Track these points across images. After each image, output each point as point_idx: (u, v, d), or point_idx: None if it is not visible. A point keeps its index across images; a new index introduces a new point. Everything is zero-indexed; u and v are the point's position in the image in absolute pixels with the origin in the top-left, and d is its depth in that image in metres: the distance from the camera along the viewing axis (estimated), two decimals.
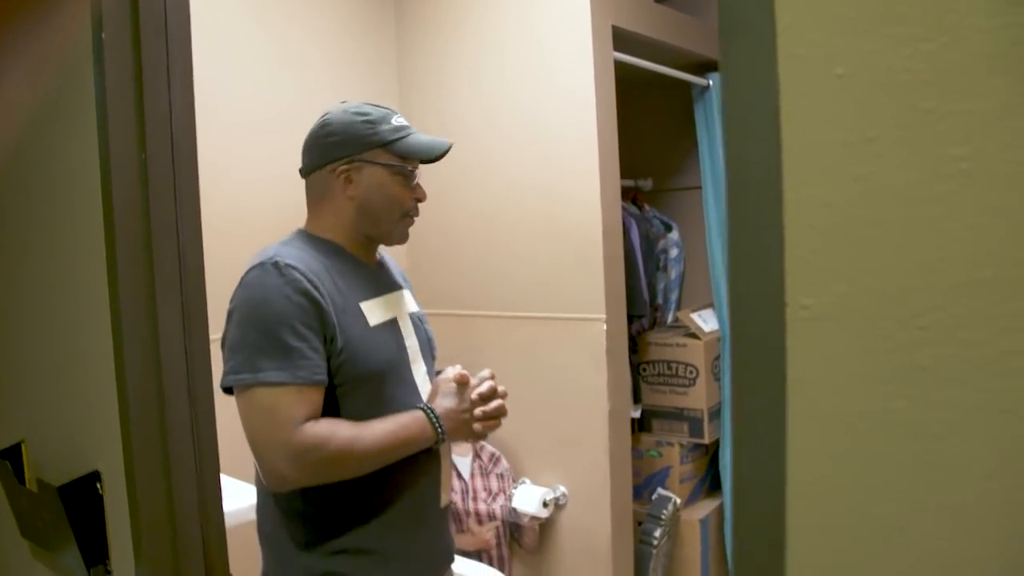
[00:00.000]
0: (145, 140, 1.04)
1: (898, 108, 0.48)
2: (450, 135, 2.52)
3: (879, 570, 0.52)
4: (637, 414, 2.62)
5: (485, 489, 2.42)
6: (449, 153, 1.33)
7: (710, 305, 2.77)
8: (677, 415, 2.67)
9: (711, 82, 2.64)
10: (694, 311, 2.69)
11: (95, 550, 1.12)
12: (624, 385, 2.34)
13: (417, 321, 1.40)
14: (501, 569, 2.35)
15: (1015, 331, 0.46)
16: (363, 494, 1.23)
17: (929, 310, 0.48)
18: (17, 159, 1.32)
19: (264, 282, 1.18)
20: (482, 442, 2.43)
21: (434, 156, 1.32)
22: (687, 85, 2.65)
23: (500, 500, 2.38)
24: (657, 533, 2.49)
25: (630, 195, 2.82)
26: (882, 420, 0.50)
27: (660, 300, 2.75)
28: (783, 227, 0.53)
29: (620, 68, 2.28)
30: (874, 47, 0.49)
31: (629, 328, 2.42)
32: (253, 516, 1.40)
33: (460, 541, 2.47)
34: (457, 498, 2.45)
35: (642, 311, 2.52)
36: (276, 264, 1.19)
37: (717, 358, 2.67)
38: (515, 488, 2.37)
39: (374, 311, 1.28)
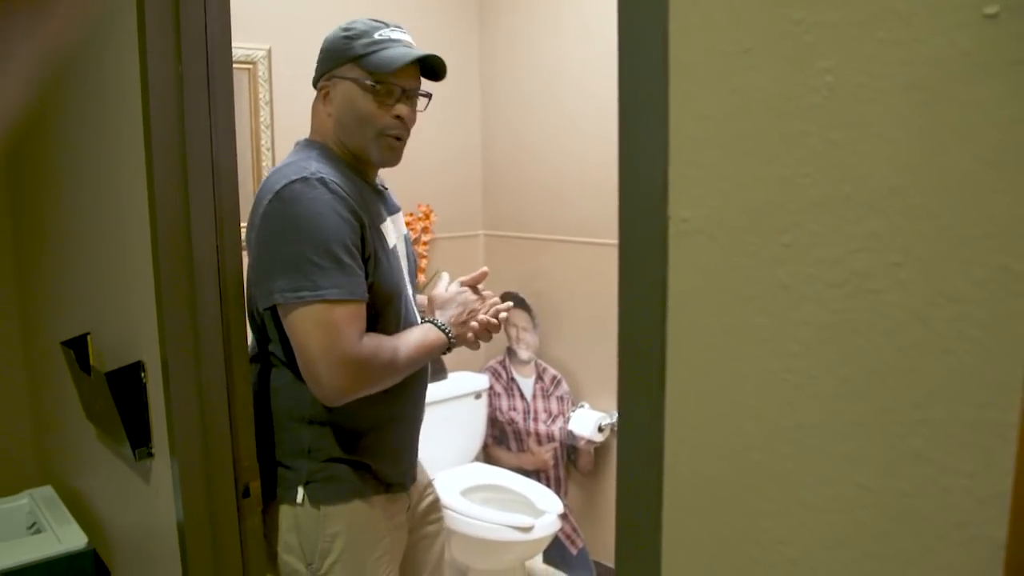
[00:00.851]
0: (181, 54, 1.12)
1: (771, 18, 0.47)
2: (524, 69, 2.48)
3: (733, 488, 0.52)
4: None
5: (546, 411, 2.48)
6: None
7: None
8: None
9: None
10: None
11: (139, 433, 1.25)
12: None
13: (406, 242, 1.42)
14: (557, 490, 2.42)
15: (868, 251, 0.45)
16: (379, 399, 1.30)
17: (791, 227, 0.48)
18: (73, 85, 1.44)
19: (316, 197, 1.16)
20: (544, 364, 2.49)
21: (395, 67, 1.21)
22: None
23: (559, 422, 2.44)
24: None
25: None
26: (745, 336, 0.51)
27: None
28: (668, 141, 0.52)
29: None
30: None
31: None
32: None
33: (520, 460, 2.56)
34: (519, 418, 2.53)
35: None
36: (323, 180, 1.17)
37: None
38: (573, 411, 2.42)
39: (390, 232, 1.31)
